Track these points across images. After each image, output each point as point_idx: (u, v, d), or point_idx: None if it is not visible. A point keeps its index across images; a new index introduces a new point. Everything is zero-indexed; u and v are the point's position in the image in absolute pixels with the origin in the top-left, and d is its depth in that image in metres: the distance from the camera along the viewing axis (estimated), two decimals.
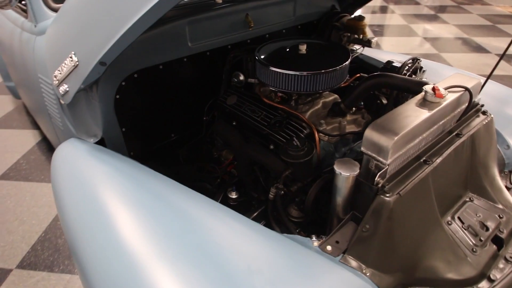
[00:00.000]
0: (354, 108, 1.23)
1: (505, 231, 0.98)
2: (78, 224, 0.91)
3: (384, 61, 1.40)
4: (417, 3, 6.73)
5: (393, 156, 0.81)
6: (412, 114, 0.87)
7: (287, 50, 1.28)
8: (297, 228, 1.07)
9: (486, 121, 1.08)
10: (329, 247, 0.81)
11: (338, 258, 0.79)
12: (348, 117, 1.22)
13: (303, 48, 1.24)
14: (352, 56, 1.25)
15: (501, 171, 1.24)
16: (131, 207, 0.85)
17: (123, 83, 1.18)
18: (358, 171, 0.84)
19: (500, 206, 1.05)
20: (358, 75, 1.40)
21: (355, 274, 0.75)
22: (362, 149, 0.83)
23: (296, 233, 1.03)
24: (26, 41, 1.61)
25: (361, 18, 1.61)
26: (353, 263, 0.79)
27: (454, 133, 1.00)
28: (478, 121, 1.07)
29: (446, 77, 1.06)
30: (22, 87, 2.19)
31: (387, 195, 0.79)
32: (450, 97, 0.93)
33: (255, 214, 1.17)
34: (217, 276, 0.68)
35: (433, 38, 4.90)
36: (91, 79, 1.05)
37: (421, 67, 1.35)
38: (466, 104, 1.01)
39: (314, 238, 0.84)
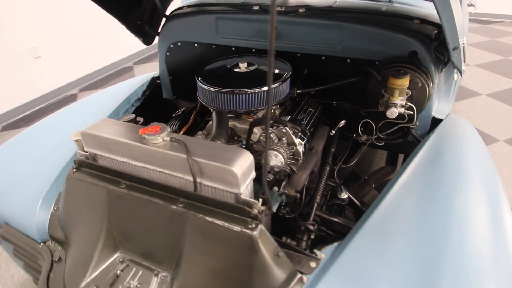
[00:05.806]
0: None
1: None
2: None
3: None
4: None
5: (89, 147, 1.02)
6: (130, 132, 0.97)
7: (231, 66, 1.38)
8: None
9: (244, 232, 0.79)
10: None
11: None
12: None
13: (243, 66, 1.35)
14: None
15: None
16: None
17: (171, 46, 1.73)
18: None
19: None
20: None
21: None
22: None
23: None
24: None
25: (399, 75, 1.23)
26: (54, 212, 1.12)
27: (176, 197, 0.89)
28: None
29: None
30: None
31: (74, 169, 0.99)
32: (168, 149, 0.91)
33: None
34: None
35: None
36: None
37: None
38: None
39: None
